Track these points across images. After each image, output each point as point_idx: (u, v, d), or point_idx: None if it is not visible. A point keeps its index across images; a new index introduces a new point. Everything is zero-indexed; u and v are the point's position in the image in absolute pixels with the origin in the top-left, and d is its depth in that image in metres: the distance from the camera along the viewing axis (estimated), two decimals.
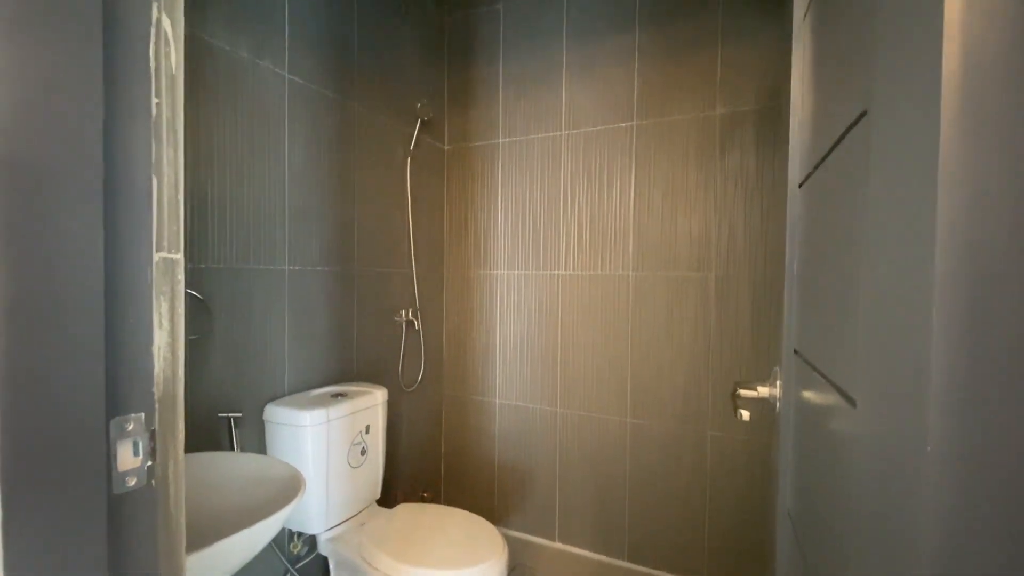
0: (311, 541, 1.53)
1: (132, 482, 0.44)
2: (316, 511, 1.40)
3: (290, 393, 1.50)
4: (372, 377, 1.83)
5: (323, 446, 1.39)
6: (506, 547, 1.38)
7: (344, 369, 1.71)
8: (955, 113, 0.28)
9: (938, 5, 0.29)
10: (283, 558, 1.47)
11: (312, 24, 1.55)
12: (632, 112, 1.87)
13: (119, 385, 0.43)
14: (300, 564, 1.52)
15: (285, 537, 1.48)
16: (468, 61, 2.19)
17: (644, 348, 1.86)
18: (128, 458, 0.44)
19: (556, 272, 2.02)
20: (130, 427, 0.43)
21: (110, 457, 0.42)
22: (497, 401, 2.15)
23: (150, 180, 0.45)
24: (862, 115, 0.40)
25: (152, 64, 0.45)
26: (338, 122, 1.67)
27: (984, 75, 0.28)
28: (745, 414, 0.75)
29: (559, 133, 2.01)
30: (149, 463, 0.45)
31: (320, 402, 1.44)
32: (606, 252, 1.93)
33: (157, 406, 0.46)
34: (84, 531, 0.40)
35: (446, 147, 2.24)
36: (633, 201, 1.88)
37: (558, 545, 2.03)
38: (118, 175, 0.43)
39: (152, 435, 0.45)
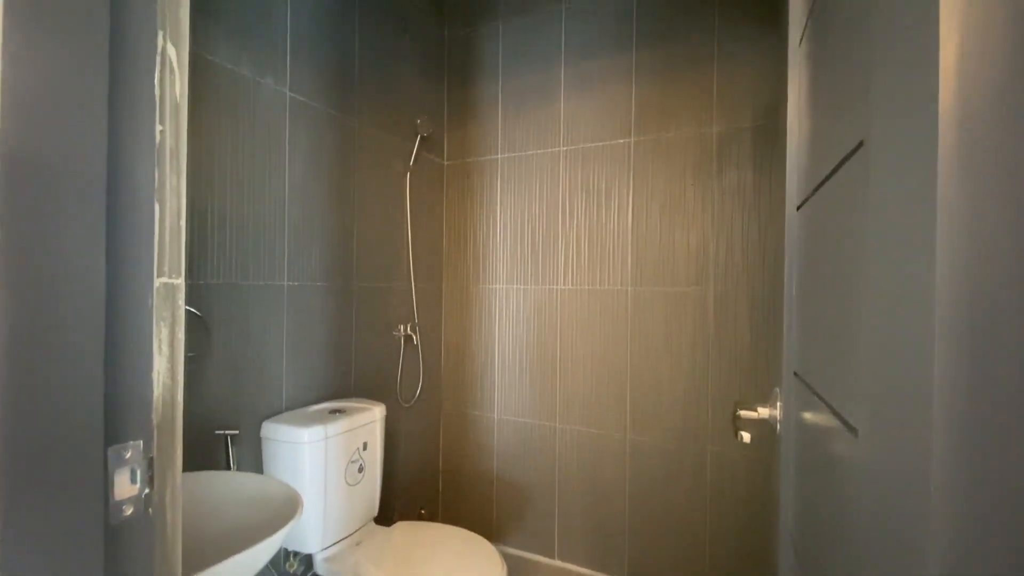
0: (307, 560, 1.51)
1: (129, 511, 0.43)
2: (313, 530, 1.38)
3: (288, 410, 1.49)
4: (370, 392, 1.82)
5: (321, 463, 1.38)
6: (504, 566, 1.36)
7: (342, 385, 1.71)
8: (952, 148, 0.29)
9: (934, 40, 0.29)
10: None
11: (314, 42, 1.57)
12: (630, 128, 1.89)
13: (118, 412, 0.43)
14: None
15: (281, 556, 1.46)
16: (468, 77, 2.21)
17: (643, 363, 1.86)
18: (125, 486, 0.43)
19: (555, 287, 2.02)
20: (128, 455, 0.43)
21: (107, 486, 0.42)
22: (496, 416, 2.14)
23: (153, 206, 0.45)
24: (859, 145, 0.40)
25: (157, 92, 0.46)
26: (338, 138, 1.68)
27: (980, 111, 0.28)
28: (746, 436, 0.75)
29: (557, 149, 2.02)
30: (147, 491, 0.45)
31: (318, 419, 1.43)
32: (604, 267, 1.93)
33: (155, 432, 0.46)
34: (80, 563, 0.39)
35: (445, 162, 2.26)
36: (631, 216, 1.89)
37: (557, 563, 2.01)
38: (121, 202, 0.43)
39: (150, 462, 0.45)
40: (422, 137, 2.02)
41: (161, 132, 0.46)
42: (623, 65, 1.90)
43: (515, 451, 2.10)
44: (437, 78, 2.21)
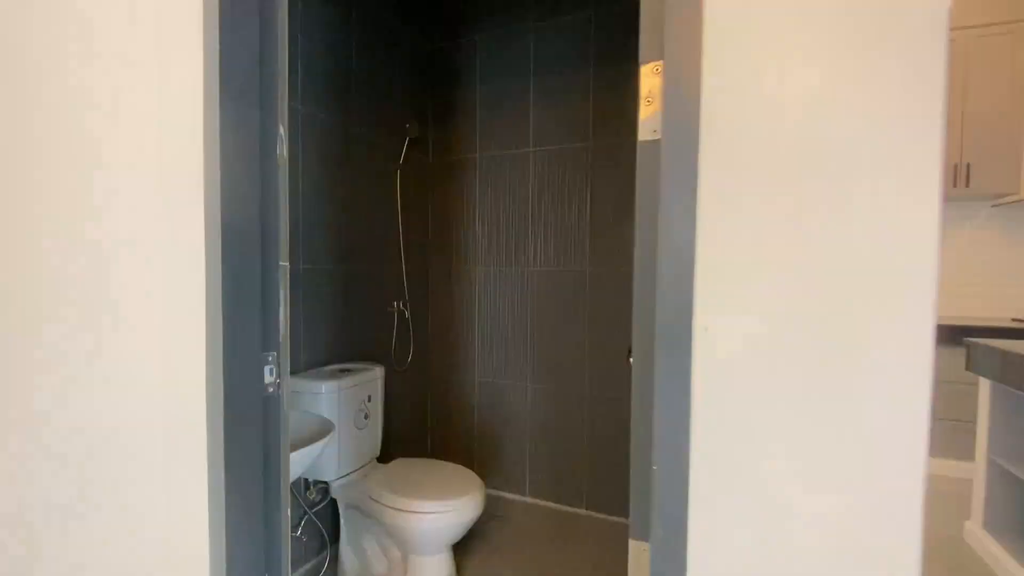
0: (324, 490, 1.87)
1: (271, 389, 0.78)
2: (329, 462, 1.74)
3: (305, 369, 1.83)
4: (370, 358, 2.17)
5: (335, 410, 1.73)
6: (483, 485, 1.74)
7: (347, 351, 2.05)
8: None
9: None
10: (302, 502, 1.80)
11: (318, 60, 1.87)
12: (588, 134, 2.24)
13: (267, 337, 0.77)
14: (316, 508, 1.86)
15: (302, 485, 1.82)
16: (450, 85, 2.53)
17: (599, 329, 2.24)
18: (268, 377, 0.78)
19: (527, 269, 2.38)
20: (270, 358, 0.78)
21: (263, 375, 0.77)
22: (477, 379, 2.52)
23: (280, 218, 0.80)
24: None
25: (277, 153, 0.80)
26: (339, 142, 1.99)
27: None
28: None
29: (528, 150, 2.36)
30: (277, 380, 0.80)
31: (332, 376, 1.77)
32: (568, 251, 2.30)
33: (280, 346, 0.81)
34: (254, 414, 0.75)
35: (431, 160, 2.58)
36: (589, 209, 2.25)
37: (528, 499, 2.41)
38: (269, 217, 0.78)
39: (278, 364, 0.80)
40: (410, 138, 2.33)
41: (280, 172, 0.80)
42: (582, 79, 2.24)
43: (493, 407, 2.48)
44: (423, 85, 2.52)
